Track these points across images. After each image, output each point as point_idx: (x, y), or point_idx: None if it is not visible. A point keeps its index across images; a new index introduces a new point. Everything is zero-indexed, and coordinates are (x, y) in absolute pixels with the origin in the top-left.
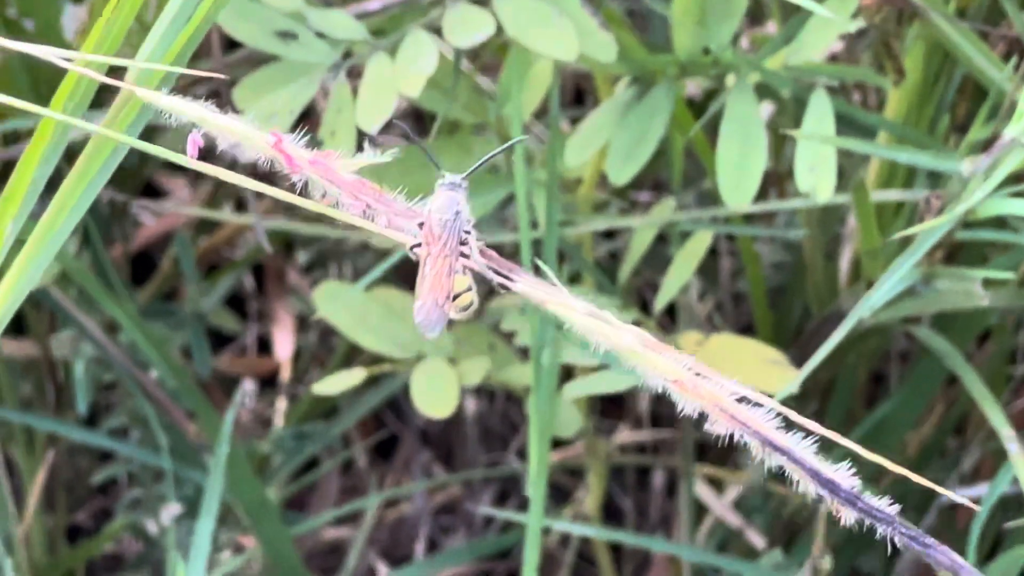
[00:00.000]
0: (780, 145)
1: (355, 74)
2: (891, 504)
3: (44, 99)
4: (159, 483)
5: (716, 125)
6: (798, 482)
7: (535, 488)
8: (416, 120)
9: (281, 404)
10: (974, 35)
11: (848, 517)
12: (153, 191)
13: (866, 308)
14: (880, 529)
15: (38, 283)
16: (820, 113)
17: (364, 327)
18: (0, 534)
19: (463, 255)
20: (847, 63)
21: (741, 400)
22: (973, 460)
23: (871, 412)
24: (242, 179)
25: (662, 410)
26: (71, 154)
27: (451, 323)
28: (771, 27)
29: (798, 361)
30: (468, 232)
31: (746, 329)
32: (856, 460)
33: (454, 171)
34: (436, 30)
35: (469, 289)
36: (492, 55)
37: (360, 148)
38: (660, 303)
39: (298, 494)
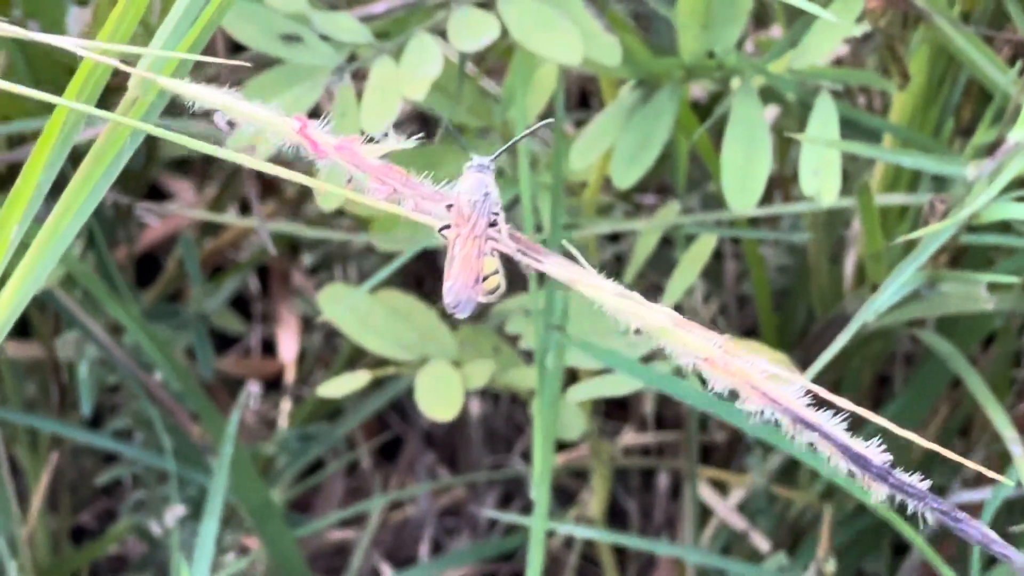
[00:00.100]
0: (785, 148)
1: (360, 77)
2: (922, 480)
3: (49, 104)
4: (163, 485)
5: (721, 128)
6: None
7: (539, 491)
8: (421, 123)
9: (285, 406)
10: (978, 39)
11: (879, 493)
12: (158, 193)
13: (870, 312)
14: (911, 504)
15: (43, 285)
16: (825, 117)
17: (368, 329)
18: (4, 535)
19: (491, 237)
20: (852, 67)
21: (771, 378)
22: (978, 462)
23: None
24: (266, 165)
25: (666, 413)
26: (76, 158)
27: (457, 324)
28: (776, 31)
29: (802, 364)
30: (497, 214)
31: (750, 332)
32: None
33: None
34: (441, 33)
35: (497, 272)
36: (497, 58)
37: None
38: (665, 305)
39: (302, 496)
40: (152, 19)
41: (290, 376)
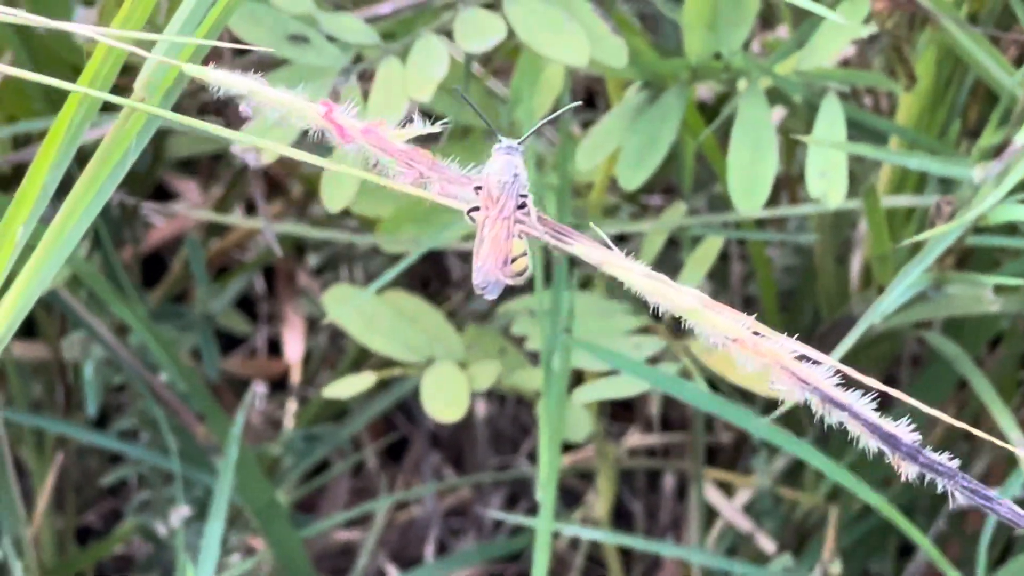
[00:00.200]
0: (792, 149)
1: (366, 78)
2: (952, 459)
3: (55, 104)
4: (168, 485)
5: (727, 129)
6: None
7: (545, 493)
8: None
9: (291, 406)
10: (986, 40)
11: (909, 471)
12: (164, 193)
13: (877, 314)
14: (941, 483)
15: (49, 286)
16: (831, 118)
17: (374, 331)
18: (10, 535)
19: (520, 219)
20: (859, 67)
21: (801, 358)
22: (983, 465)
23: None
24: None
25: (672, 414)
26: (82, 158)
27: (463, 325)
28: (783, 31)
29: None
30: (525, 196)
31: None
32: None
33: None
34: (447, 33)
35: (524, 254)
36: (504, 59)
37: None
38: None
39: (308, 496)
40: (159, 20)
41: (296, 377)
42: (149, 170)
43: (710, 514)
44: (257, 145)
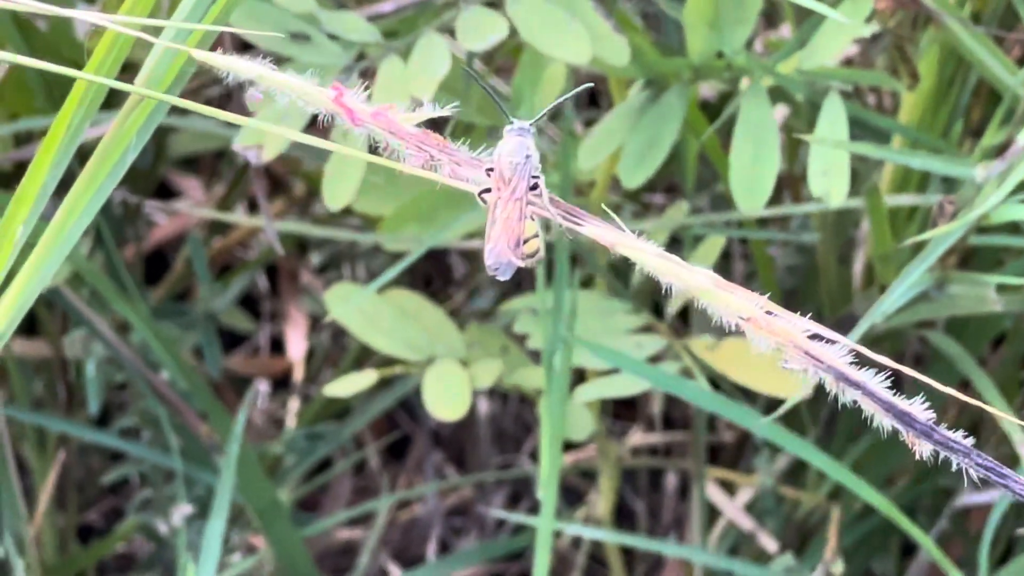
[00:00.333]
0: (794, 148)
1: (369, 76)
2: (966, 436)
3: (56, 101)
4: (170, 483)
5: (730, 128)
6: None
7: (546, 492)
8: (428, 122)
9: (293, 404)
10: (988, 39)
11: (924, 449)
12: (166, 191)
13: (878, 313)
14: (956, 460)
15: (50, 283)
16: (833, 117)
17: (376, 329)
18: (11, 533)
19: (532, 201)
20: (861, 67)
21: (814, 337)
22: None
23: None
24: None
25: (674, 413)
26: (83, 157)
27: (464, 324)
28: (785, 30)
29: None
30: (537, 177)
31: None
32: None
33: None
34: (449, 31)
35: (537, 235)
36: (506, 57)
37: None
38: (673, 307)
39: (310, 495)
40: (161, 16)
41: (298, 375)
42: (151, 168)
43: (712, 513)
44: (258, 136)
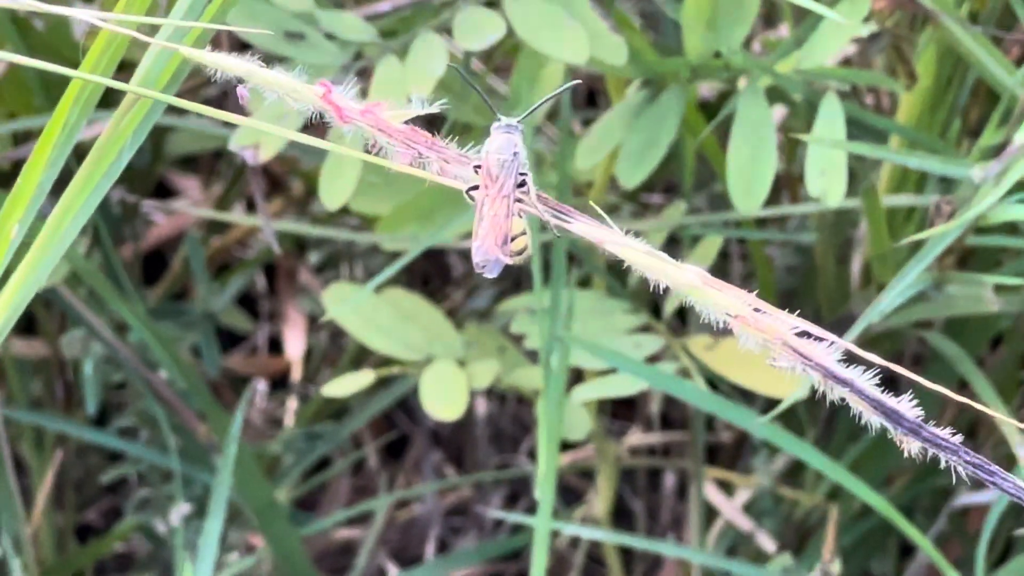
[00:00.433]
0: (792, 148)
1: (366, 75)
2: (954, 434)
3: (54, 100)
4: (168, 483)
5: (728, 127)
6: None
7: (543, 492)
8: (427, 122)
9: (292, 404)
10: (986, 39)
11: (912, 447)
12: (165, 191)
13: (876, 313)
14: (944, 458)
15: (47, 283)
16: (831, 117)
17: (374, 329)
18: (9, 533)
19: (520, 198)
20: (860, 66)
21: (802, 335)
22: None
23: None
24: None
25: (673, 412)
26: (79, 154)
27: (462, 324)
28: (783, 30)
29: None
30: (525, 174)
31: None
32: None
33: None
34: (447, 31)
35: (524, 233)
36: (504, 56)
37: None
38: (670, 306)
39: (308, 494)
40: (158, 15)
41: (296, 374)
42: (149, 167)
43: (710, 513)
44: (255, 135)
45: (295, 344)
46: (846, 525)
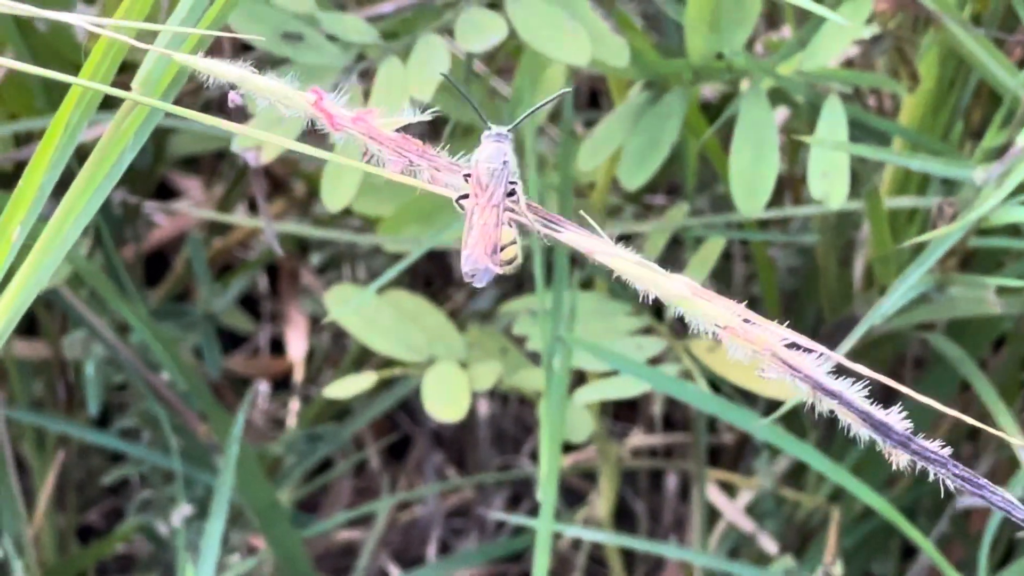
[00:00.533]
0: (795, 149)
1: (368, 76)
2: (943, 447)
3: (56, 102)
4: (170, 484)
5: (730, 128)
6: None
7: (545, 494)
8: (430, 123)
9: (294, 405)
10: (989, 41)
11: (900, 460)
12: (167, 191)
13: (878, 315)
14: (932, 471)
15: (49, 284)
16: (833, 119)
17: (376, 330)
18: (11, 534)
19: (509, 207)
20: (862, 68)
21: (791, 346)
22: (986, 467)
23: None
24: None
25: (675, 414)
26: (81, 155)
27: (464, 325)
28: (786, 31)
29: None
30: (515, 183)
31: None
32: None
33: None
34: (449, 32)
35: (514, 242)
36: (507, 57)
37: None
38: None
39: (310, 496)
40: (159, 17)
41: (298, 375)
42: (151, 168)
43: (712, 515)
44: (255, 139)
45: (297, 345)
46: (848, 527)
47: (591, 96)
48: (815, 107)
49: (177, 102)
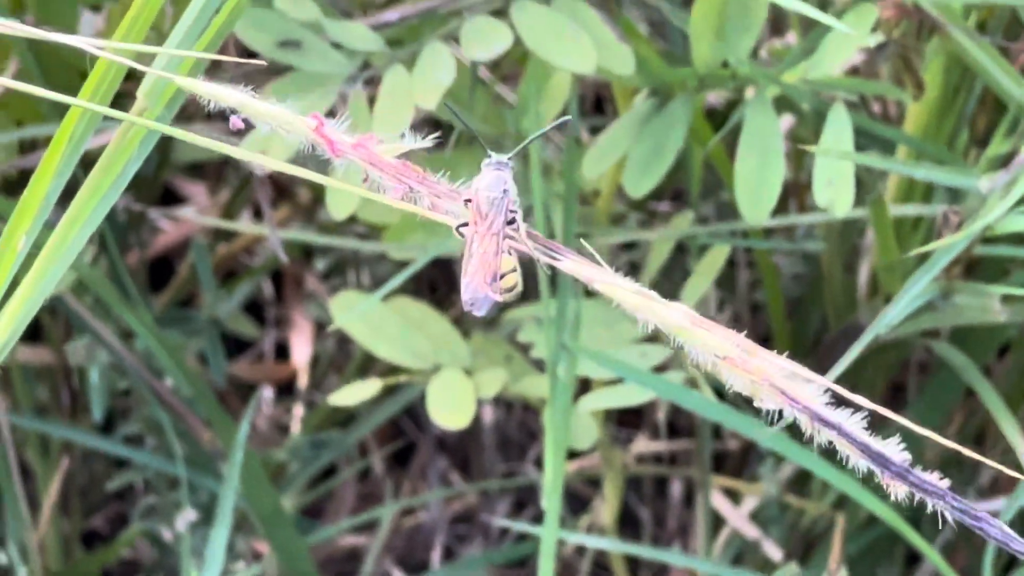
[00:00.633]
0: (800, 156)
1: (373, 84)
2: (942, 479)
3: (62, 109)
4: (174, 490)
5: (736, 135)
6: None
7: (550, 502)
8: (433, 127)
9: (298, 411)
10: (994, 49)
11: (899, 491)
12: (171, 196)
13: (883, 325)
14: (931, 503)
15: (53, 291)
16: (839, 128)
17: (381, 337)
18: (15, 540)
19: (509, 235)
20: (867, 75)
21: (790, 377)
22: (991, 473)
23: (889, 424)
24: (281, 165)
25: (679, 420)
26: (87, 163)
27: (469, 332)
28: (791, 37)
29: (816, 372)
30: (515, 211)
31: (764, 340)
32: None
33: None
34: (455, 39)
35: (514, 270)
36: (513, 64)
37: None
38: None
39: (315, 502)
40: (164, 24)
41: (303, 381)
42: (156, 174)
43: (717, 521)
44: (264, 138)
45: (302, 351)
46: (852, 534)
47: (596, 102)
48: (820, 114)
49: (183, 110)
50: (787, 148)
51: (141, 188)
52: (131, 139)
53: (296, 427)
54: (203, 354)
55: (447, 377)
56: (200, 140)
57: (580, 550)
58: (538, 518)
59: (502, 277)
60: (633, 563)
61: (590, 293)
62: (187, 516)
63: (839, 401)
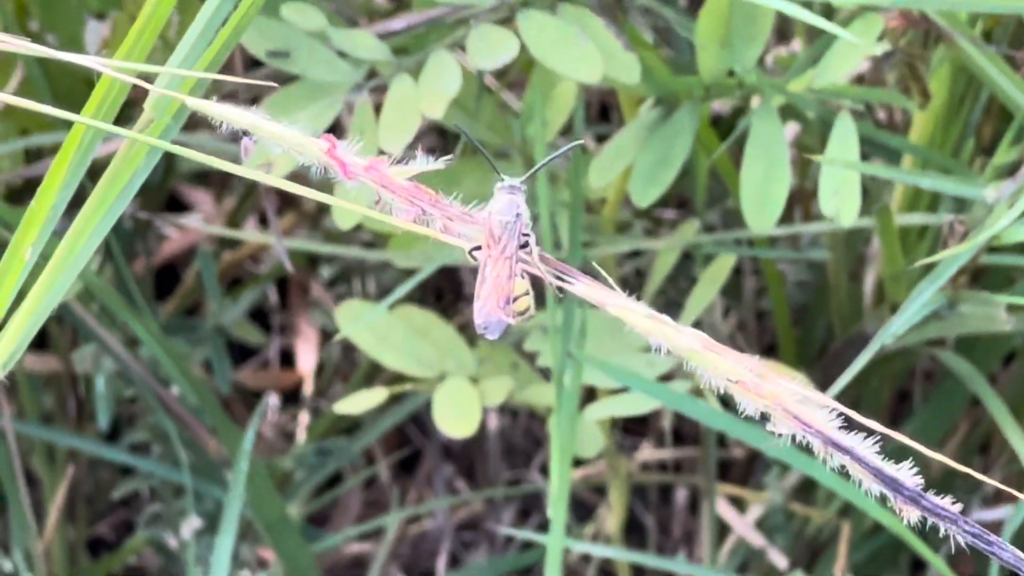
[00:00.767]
0: (806, 164)
1: (379, 92)
2: (954, 503)
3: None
4: (180, 498)
5: (742, 143)
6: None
7: (556, 509)
8: (439, 135)
9: (304, 419)
10: (1000, 58)
11: (911, 515)
12: (177, 204)
13: (889, 334)
14: (943, 527)
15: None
16: (845, 137)
17: (387, 346)
18: (21, 548)
19: (522, 259)
20: (873, 84)
21: (802, 401)
22: (996, 479)
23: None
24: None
25: (684, 428)
26: (94, 172)
27: (475, 340)
28: (797, 45)
29: (821, 380)
30: (528, 235)
31: (769, 348)
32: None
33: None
34: (461, 48)
35: (527, 293)
36: (519, 72)
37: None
38: (684, 323)
39: (320, 509)
40: (171, 34)
41: (308, 388)
42: (162, 182)
43: (722, 529)
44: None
45: (307, 358)
46: (857, 542)
47: (602, 109)
48: (826, 123)
49: (190, 119)
50: (793, 156)
51: (147, 196)
52: (138, 150)
53: (302, 435)
54: (209, 362)
55: (453, 385)
56: (205, 158)
57: (585, 558)
58: (543, 526)
59: (515, 300)
60: (638, 571)
61: None
62: (192, 524)
63: (848, 422)
